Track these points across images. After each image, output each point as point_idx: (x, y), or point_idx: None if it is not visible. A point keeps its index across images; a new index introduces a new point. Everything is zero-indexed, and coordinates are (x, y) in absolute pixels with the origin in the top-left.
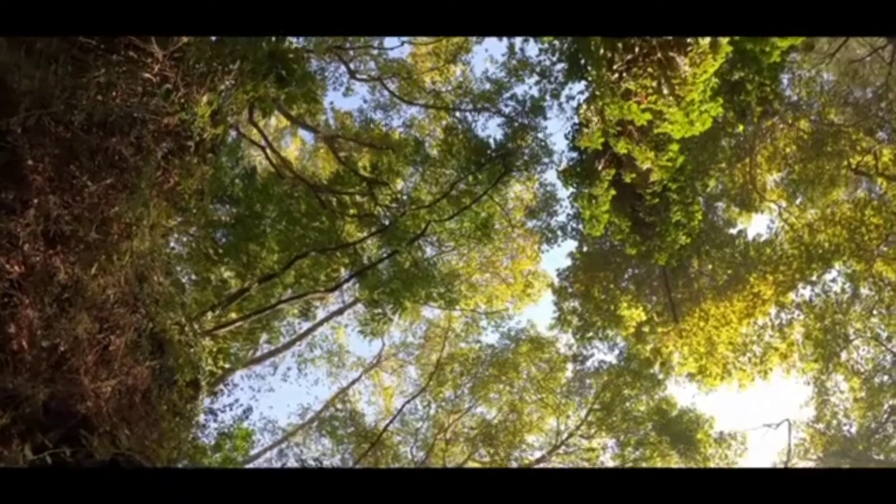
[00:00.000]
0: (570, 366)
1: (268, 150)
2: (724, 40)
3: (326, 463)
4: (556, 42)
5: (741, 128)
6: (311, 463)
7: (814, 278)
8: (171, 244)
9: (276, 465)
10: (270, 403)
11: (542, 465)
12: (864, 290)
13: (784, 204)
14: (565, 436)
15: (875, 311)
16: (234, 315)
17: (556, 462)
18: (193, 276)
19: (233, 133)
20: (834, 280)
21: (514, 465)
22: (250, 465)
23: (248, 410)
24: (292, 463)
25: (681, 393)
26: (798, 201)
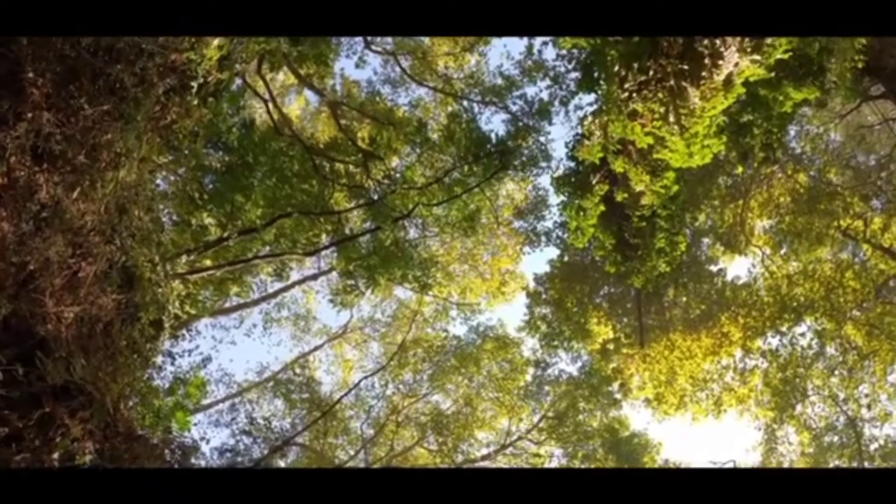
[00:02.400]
0: (531, 370)
1: (270, 105)
2: (738, 81)
3: (275, 424)
4: (574, 50)
5: (740, 169)
6: (260, 422)
7: (783, 329)
8: (158, 181)
9: (227, 417)
10: (230, 356)
11: (486, 464)
12: (830, 349)
13: (768, 251)
14: (515, 437)
15: (837, 372)
16: (208, 262)
17: (501, 462)
18: (174, 217)
19: (238, 81)
20: (803, 334)
21: (459, 457)
22: (200, 415)
23: (207, 359)
24: (241, 418)
25: (635, 416)
26: (782, 251)
